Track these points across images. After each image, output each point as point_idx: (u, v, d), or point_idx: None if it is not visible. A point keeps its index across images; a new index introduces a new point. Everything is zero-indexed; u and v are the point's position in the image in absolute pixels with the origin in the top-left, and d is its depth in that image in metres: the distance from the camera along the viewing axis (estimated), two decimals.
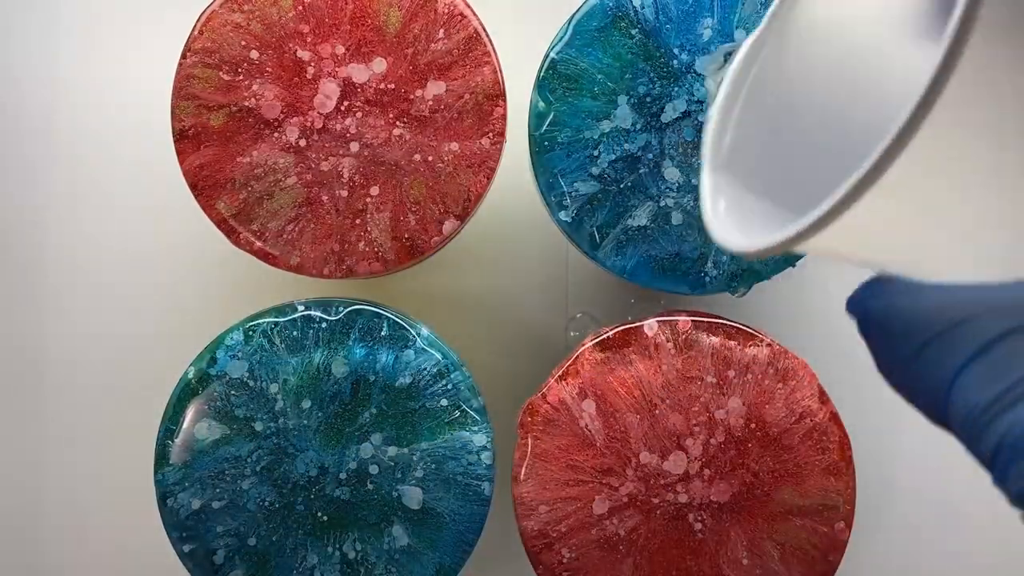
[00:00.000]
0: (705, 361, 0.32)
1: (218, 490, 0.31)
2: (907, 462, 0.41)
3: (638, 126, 0.33)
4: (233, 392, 0.32)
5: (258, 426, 0.32)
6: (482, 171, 0.33)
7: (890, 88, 0.21)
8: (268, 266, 0.33)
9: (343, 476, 0.32)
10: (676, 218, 0.33)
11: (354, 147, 0.32)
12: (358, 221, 0.33)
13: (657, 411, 0.32)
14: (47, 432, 0.41)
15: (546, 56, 0.33)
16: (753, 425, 0.32)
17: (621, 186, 0.33)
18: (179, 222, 0.40)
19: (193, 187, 0.32)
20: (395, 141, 0.32)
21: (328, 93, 0.32)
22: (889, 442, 0.41)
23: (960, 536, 0.41)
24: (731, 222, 0.22)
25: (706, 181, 0.23)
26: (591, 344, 0.33)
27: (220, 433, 0.32)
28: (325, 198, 0.33)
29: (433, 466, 0.32)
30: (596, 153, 0.33)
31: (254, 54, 0.32)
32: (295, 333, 0.32)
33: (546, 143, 0.33)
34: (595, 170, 0.33)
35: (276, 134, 0.32)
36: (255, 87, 0.32)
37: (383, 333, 0.32)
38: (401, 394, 0.32)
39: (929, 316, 0.18)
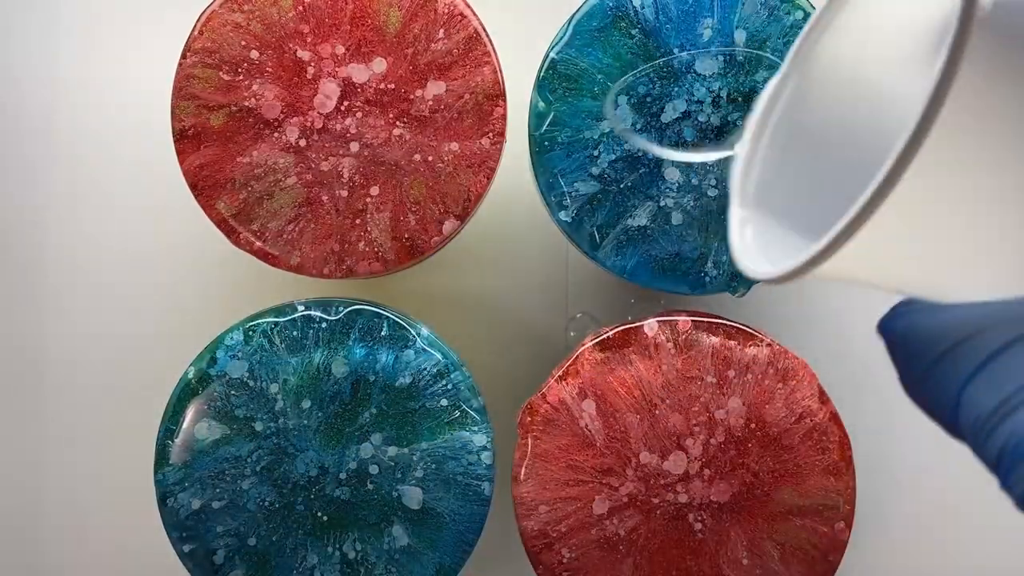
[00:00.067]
0: (705, 361, 0.32)
1: (218, 490, 0.31)
2: (907, 462, 0.41)
3: (638, 126, 0.33)
4: (233, 392, 0.32)
5: (258, 426, 0.32)
6: (482, 171, 0.33)
7: (911, 124, 0.22)
8: (268, 266, 0.33)
9: (343, 476, 0.32)
10: (676, 218, 0.33)
11: (354, 147, 0.32)
12: (358, 221, 0.33)
13: (657, 411, 0.32)
14: (47, 432, 0.41)
15: (546, 56, 0.33)
16: (753, 425, 0.32)
17: (621, 186, 0.33)
18: (179, 222, 0.40)
19: (193, 187, 0.32)
20: (395, 141, 0.32)
21: (328, 93, 0.32)
22: (889, 442, 0.41)
23: (960, 536, 0.41)
24: (757, 250, 0.23)
25: (734, 214, 0.24)
26: (591, 344, 0.33)
27: (220, 433, 0.32)
28: (325, 198, 0.33)
29: (433, 466, 0.32)
30: (596, 153, 0.33)
31: (254, 54, 0.32)
32: (295, 333, 0.32)
33: (546, 143, 0.33)
34: (595, 170, 0.33)
35: (276, 134, 0.32)
36: (255, 87, 0.32)
37: (383, 333, 0.32)
38: (401, 394, 0.32)
39: (942, 333, 0.20)
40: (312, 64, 0.32)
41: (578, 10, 0.33)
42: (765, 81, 0.33)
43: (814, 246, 0.18)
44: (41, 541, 0.41)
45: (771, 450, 0.32)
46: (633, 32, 0.33)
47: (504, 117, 0.33)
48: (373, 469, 0.32)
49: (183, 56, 0.32)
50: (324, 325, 0.32)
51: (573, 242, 0.34)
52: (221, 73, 0.32)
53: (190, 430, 0.32)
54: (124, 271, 0.41)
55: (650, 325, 0.33)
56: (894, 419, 0.40)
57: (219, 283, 0.41)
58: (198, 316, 0.41)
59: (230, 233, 0.33)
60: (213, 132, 0.32)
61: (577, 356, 0.33)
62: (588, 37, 0.33)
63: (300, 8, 0.32)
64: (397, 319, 0.33)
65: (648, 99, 0.33)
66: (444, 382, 0.32)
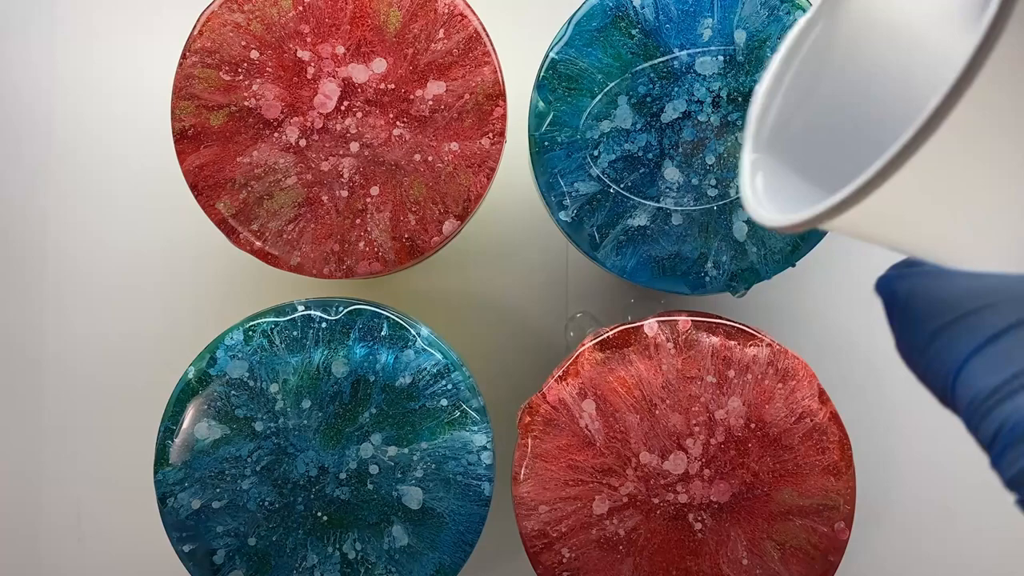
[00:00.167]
0: (705, 361, 0.32)
1: (218, 490, 0.31)
2: (907, 462, 0.41)
3: (638, 126, 0.33)
4: (233, 392, 0.32)
5: (258, 426, 0.32)
6: (482, 171, 0.33)
7: (939, 78, 0.22)
8: (268, 266, 0.33)
9: (343, 476, 0.32)
10: (676, 218, 0.33)
11: (354, 147, 0.32)
12: (358, 221, 0.33)
13: (657, 411, 0.32)
14: (47, 432, 0.41)
15: (546, 56, 0.33)
16: (753, 425, 0.32)
17: (621, 186, 0.33)
18: (179, 222, 0.40)
19: (193, 187, 0.32)
20: (395, 141, 0.32)
21: (328, 93, 0.32)
22: (889, 442, 0.41)
23: (960, 536, 0.41)
24: (767, 197, 0.22)
25: (746, 158, 0.23)
26: (591, 344, 0.33)
27: (220, 433, 0.32)
28: (325, 198, 0.33)
29: (433, 466, 0.32)
30: (596, 153, 0.33)
31: (254, 54, 0.32)
32: (295, 333, 0.32)
33: (546, 143, 0.33)
34: (595, 170, 0.33)
35: (276, 134, 0.32)
36: (255, 87, 0.32)
37: (383, 333, 0.32)
38: (401, 394, 0.32)
39: (948, 302, 0.19)
40: (312, 64, 0.32)
41: (578, 10, 0.33)
42: None
43: (829, 200, 0.17)
44: (41, 541, 0.41)
45: (771, 450, 0.32)
46: (633, 32, 0.33)
47: (504, 117, 0.33)
48: (373, 469, 0.32)
49: (183, 56, 0.32)
50: (324, 325, 0.32)
51: (573, 242, 0.34)
52: (221, 73, 0.32)
53: (190, 430, 0.32)
54: (124, 271, 0.41)
55: (650, 325, 0.33)
56: (894, 419, 0.40)
57: (219, 283, 0.41)
58: (198, 316, 0.41)
59: (230, 233, 0.33)
60: (213, 132, 0.32)
61: (577, 356, 0.33)
62: (588, 37, 0.33)
63: (300, 8, 0.32)
64: (397, 319, 0.33)
65: (648, 99, 0.33)
66: (444, 382, 0.32)
